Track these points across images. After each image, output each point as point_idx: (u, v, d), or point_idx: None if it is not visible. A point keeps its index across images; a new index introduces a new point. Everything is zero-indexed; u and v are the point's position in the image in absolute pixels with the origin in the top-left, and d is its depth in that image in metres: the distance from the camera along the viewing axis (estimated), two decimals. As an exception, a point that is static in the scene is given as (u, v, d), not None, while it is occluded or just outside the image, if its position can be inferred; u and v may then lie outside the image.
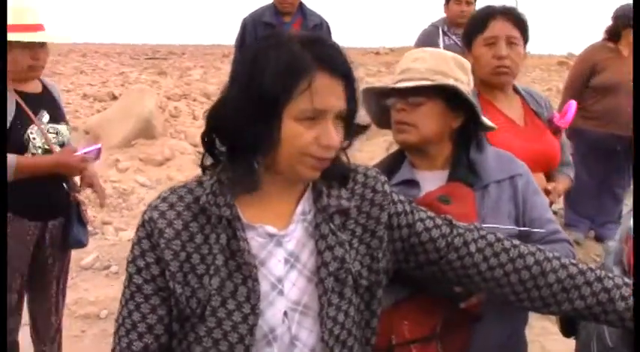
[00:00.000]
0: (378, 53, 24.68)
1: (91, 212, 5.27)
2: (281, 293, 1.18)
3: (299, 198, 1.24)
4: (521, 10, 2.15)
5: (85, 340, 3.65)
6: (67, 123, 2.87)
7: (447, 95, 1.62)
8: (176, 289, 1.16)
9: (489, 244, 1.32)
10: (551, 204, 2.12)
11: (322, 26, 4.61)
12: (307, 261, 1.20)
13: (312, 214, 1.22)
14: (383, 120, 1.75)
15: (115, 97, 12.19)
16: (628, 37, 4.61)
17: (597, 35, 4.93)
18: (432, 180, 1.63)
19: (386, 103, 1.70)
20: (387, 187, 1.30)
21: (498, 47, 2.07)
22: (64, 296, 2.95)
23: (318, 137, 1.12)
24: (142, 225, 1.19)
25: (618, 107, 4.62)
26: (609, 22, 4.76)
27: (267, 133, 1.12)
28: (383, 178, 1.31)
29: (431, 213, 1.34)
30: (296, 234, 1.21)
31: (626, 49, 4.69)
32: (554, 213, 5.63)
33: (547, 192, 2.03)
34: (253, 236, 1.19)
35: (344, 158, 1.25)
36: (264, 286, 1.17)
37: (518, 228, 1.59)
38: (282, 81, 1.10)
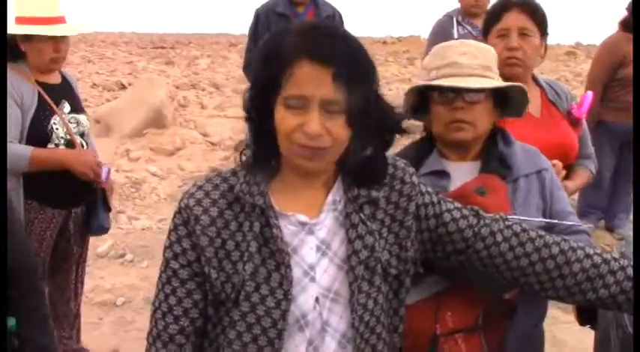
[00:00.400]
0: (385, 42, 24.59)
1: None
2: (313, 279, 1.22)
3: (330, 187, 1.27)
4: (538, 1, 2.15)
5: (103, 327, 3.69)
6: (85, 113, 2.91)
7: (495, 92, 1.64)
8: (211, 274, 1.20)
9: (515, 234, 1.35)
10: None
11: (335, 16, 4.62)
12: (338, 249, 1.24)
13: (343, 204, 1.26)
14: (413, 110, 1.73)
15: (123, 86, 12.24)
16: None
17: (605, 25, 4.96)
18: (462, 172, 1.64)
19: (431, 95, 1.66)
20: (415, 178, 1.33)
21: (510, 39, 2.09)
22: (82, 282, 3.01)
23: (302, 124, 1.14)
24: (179, 212, 1.23)
25: None
26: (622, 14, 4.78)
27: (265, 120, 1.18)
28: (411, 170, 1.34)
29: (458, 204, 1.37)
30: (327, 223, 1.25)
31: None
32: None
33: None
34: (286, 224, 1.23)
35: (378, 156, 1.26)
36: (296, 273, 1.20)
37: (545, 220, 1.61)
38: (270, 69, 1.16)
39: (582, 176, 2.28)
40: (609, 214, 5.10)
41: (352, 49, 1.16)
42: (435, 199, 1.34)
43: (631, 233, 1.95)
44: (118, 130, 7.34)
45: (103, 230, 2.93)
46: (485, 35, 2.21)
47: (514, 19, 2.11)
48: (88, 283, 4.09)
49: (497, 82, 1.64)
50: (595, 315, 1.90)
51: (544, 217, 1.65)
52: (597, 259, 1.34)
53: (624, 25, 4.75)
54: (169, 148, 6.97)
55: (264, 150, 1.23)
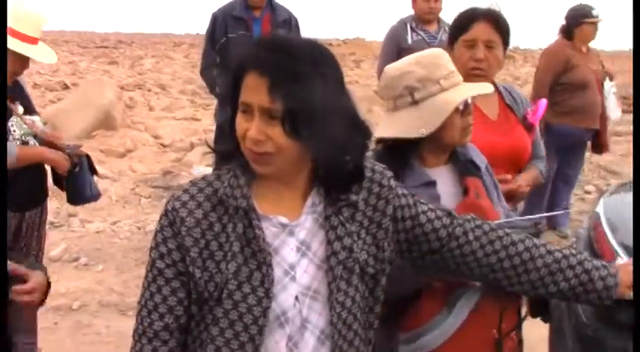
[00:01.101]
0: (330, 45, 24.71)
1: (56, 204, 5.24)
2: (293, 278, 1.28)
3: (309, 191, 1.34)
4: (502, 14, 2.23)
5: (59, 332, 3.64)
6: (38, 114, 2.91)
7: None
8: (195, 273, 1.25)
9: (485, 233, 1.46)
10: (518, 195, 2.24)
11: (290, 21, 4.67)
12: (317, 250, 1.31)
13: (322, 206, 1.33)
14: None
15: (66, 87, 11.95)
16: (579, 34, 5.00)
17: (541, 31, 5.27)
18: (443, 176, 1.72)
19: None
20: (392, 182, 1.41)
21: (477, 50, 2.17)
22: None
23: (247, 129, 1.23)
24: (165, 214, 1.29)
25: (591, 103, 4.98)
26: (562, 22, 5.10)
27: (232, 124, 1.27)
28: (389, 173, 1.41)
29: (432, 205, 1.46)
30: (306, 225, 1.32)
31: (583, 46, 5.07)
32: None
33: (505, 181, 2.10)
34: (267, 226, 1.29)
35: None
36: (277, 272, 1.27)
37: (534, 217, 1.73)
38: (231, 78, 1.26)
39: (532, 172, 2.37)
40: (547, 210, 5.33)
41: (294, 62, 1.20)
42: (411, 201, 1.42)
43: (581, 230, 2.10)
44: (66, 132, 7.15)
45: (94, 197, 3.03)
46: (451, 44, 2.27)
47: (482, 31, 2.17)
48: (43, 287, 4.03)
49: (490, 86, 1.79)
50: (546, 308, 2.03)
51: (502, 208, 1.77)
52: (558, 255, 1.46)
53: (564, 32, 5.06)
54: (120, 150, 6.87)
55: (241, 158, 1.29)
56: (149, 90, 13.00)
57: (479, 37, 2.17)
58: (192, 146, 7.07)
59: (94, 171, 3.03)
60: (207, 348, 1.27)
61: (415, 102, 1.66)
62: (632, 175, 2.08)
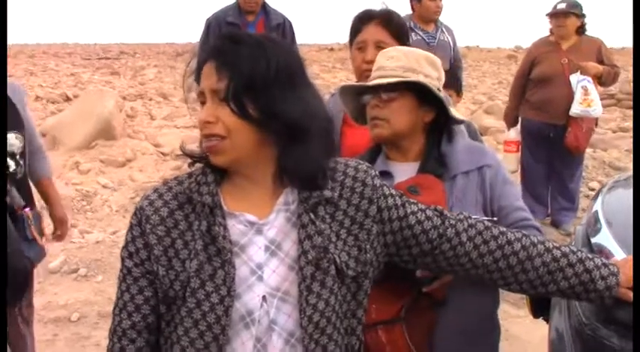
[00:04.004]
0: (332, 49, 24.81)
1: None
2: (260, 278, 1.24)
3: (283, 188, 1.30)
4: (396, 14, 2.21)
5: (58, 344, 3.60)
6: (18, 130, 2.49)
7: (418, 91, 1.71)
8: (159, 271, 1.24)
9: (479, 232, 1.40)
10: None
11: (285, 25, 4.65)
12: (289, 250, 1.26)
13: (296, 205, 1.28)
14: (361, 116, 1.82)
15: (68, 99, 11.98)
16: (553, 28, 5.05)
17: (544, 29, 5.23)
18: (404, 172, 1.72)
19: (363, 101, 1.78)
20: (377, 181, 1.35)
21: (367, 52, 2.15)
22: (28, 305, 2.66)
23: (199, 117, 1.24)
24: (134, 213, 1.30)
25: (552, 97, 4.93)
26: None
27: None
28: (373, 172, 1.36)
29: (422, 206, 1.40)
30: (277, 223, 1.27)
31: (561, 40, 5.01)
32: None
33: None
34: (234, 223, 1.26)
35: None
36: (243, 271, 1.24)
37: (485, 219, 1.63)
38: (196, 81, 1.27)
39: None
40: (554, 210, 5.29)
41: (238, 44, 1.23)
42: (398, 201, 1.37)
43: (580, 227, 2.06)
44: (66, 143, 7.18)
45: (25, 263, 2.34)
46: (350, 46, 2.27)
47: (371, 33, 2.15)
48: (41, 300, 3.99)
49: (391, 79, 1.70)
50: (547, 307, 1.99)
51: (485, 212, 1.71)
52: (557, 253, 1.41)
53: (552, 29, 5.11)
54: (120, 159, 6.85)
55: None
56: (150, 100, 13.03)
57: (368, 38, 2.15)
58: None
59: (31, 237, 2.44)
60: (173, 348, 1.25)
61: None
62: (633, 172, 2.05)
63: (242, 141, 1.23)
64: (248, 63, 1.21)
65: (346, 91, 1.83)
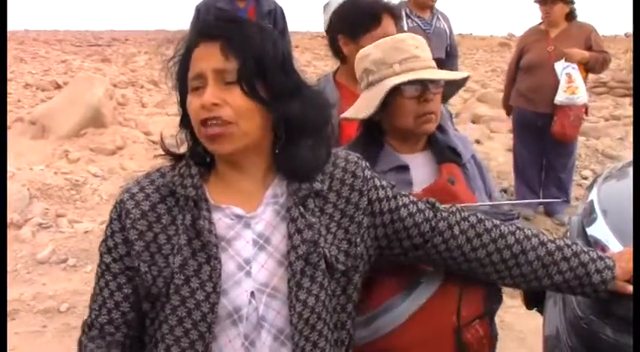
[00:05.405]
0: (324, 37, 24.64)
1: (44, 204, 5.17)
2: (248, 274, 1.20)
3: (271, 181, 1.26)
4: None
5: (47, 335, 3.56)
6: None
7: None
8: (141, 268, 1.20)
9: (472, 226, 1.36)
10: None
11: (276, 11, 4.59)
12: (279, 244, 1.22)
13: (285, 197, 1.24)
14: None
15: (58, 86, 11.84)
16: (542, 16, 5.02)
17: (537, 17, 5.16)
18: (418, 163, 1.66)
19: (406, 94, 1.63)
20: (367, 173, 1.31)
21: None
22: None
23: (201, 103, 1.16)
24: (114, 206, 1.25)
25: (538, 86, 4.89)
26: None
27: (184, 109, 1.23)
28: (364, 163, 1.32)
29: (413, 198, 1.37)
30: (265, 217, 1.23)
31: (554, 29, 4.95)
32: (504, 191, 5.80)
33: None
34: (220, 217, 1.22)
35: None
36: (230, 266, 1.19)
37: (496, 203, 1.65)
38: (180, 66, 1.22)
39: None
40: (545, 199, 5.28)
41: (242, 26, 1.19)
42: (390, 193, 1.33)
43: (575, 218, 2.03)
44: (55, 131, 7.09)
45: None
46: (357, 37, 2.29)
47: (388, 26, 2.24)
48: (29, 290, 3.96)
49: (455, 73, 1.71)
50: (542, 299, 1.96)
51: (488, 197, 1.70)
52: (551, 246, 1.38)
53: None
54: (110, 148, 6.78)
55: (195, 144, 1.25)
56: (142, 87, 12.91)
57: (387, 32, 2.19)
58: (181, 142, 6.90)
59: None
60: (158, 346, 1.21)
61: (370, 85, 1.65)
62: (630, 160, 2.03)
63: (250, 127, 1.17)
64: (258, 44, 1.17)
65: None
